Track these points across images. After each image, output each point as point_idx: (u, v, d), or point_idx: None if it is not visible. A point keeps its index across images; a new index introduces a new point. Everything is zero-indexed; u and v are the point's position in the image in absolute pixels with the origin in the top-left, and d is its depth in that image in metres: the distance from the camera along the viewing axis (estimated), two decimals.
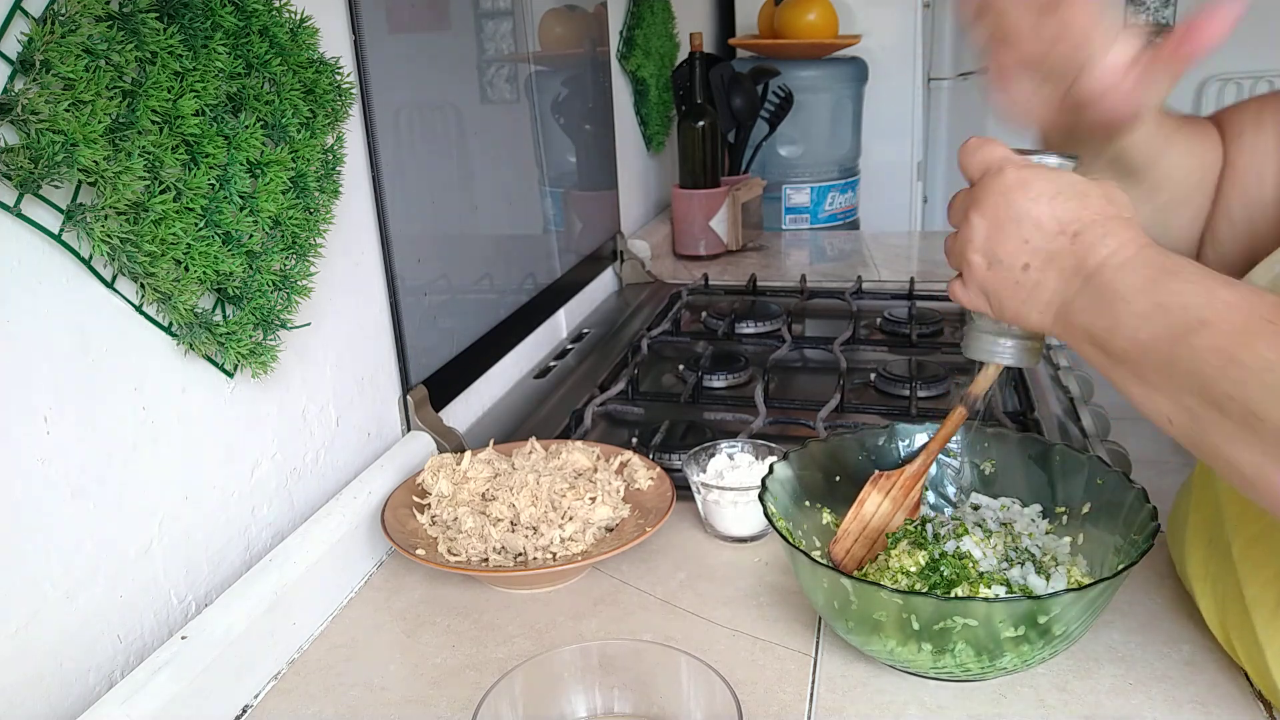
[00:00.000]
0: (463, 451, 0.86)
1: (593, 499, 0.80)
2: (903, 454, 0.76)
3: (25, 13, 0.54)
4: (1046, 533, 0.71)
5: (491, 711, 0.53)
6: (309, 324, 0.78)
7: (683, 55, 1.85)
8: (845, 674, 0.66)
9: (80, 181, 0.57)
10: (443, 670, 0.69)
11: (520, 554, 0.77)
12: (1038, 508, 0.73)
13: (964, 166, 0.58)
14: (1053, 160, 0.57)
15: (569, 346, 1.31)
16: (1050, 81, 0.58)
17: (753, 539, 0.83)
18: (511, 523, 0.79)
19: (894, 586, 0.64)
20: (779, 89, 1.95)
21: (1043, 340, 0.62)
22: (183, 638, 0.63)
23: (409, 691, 0.67)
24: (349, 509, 0.80)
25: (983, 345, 0.63)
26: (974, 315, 0.62)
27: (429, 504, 0.82)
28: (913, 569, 0.66)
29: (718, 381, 1.16)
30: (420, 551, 0.77)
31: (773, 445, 0.86)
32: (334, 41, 0.81)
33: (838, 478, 0.75)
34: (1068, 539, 0.70)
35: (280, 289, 0.73)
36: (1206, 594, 0.65)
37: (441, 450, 0.95)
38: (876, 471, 0.72)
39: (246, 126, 0.69)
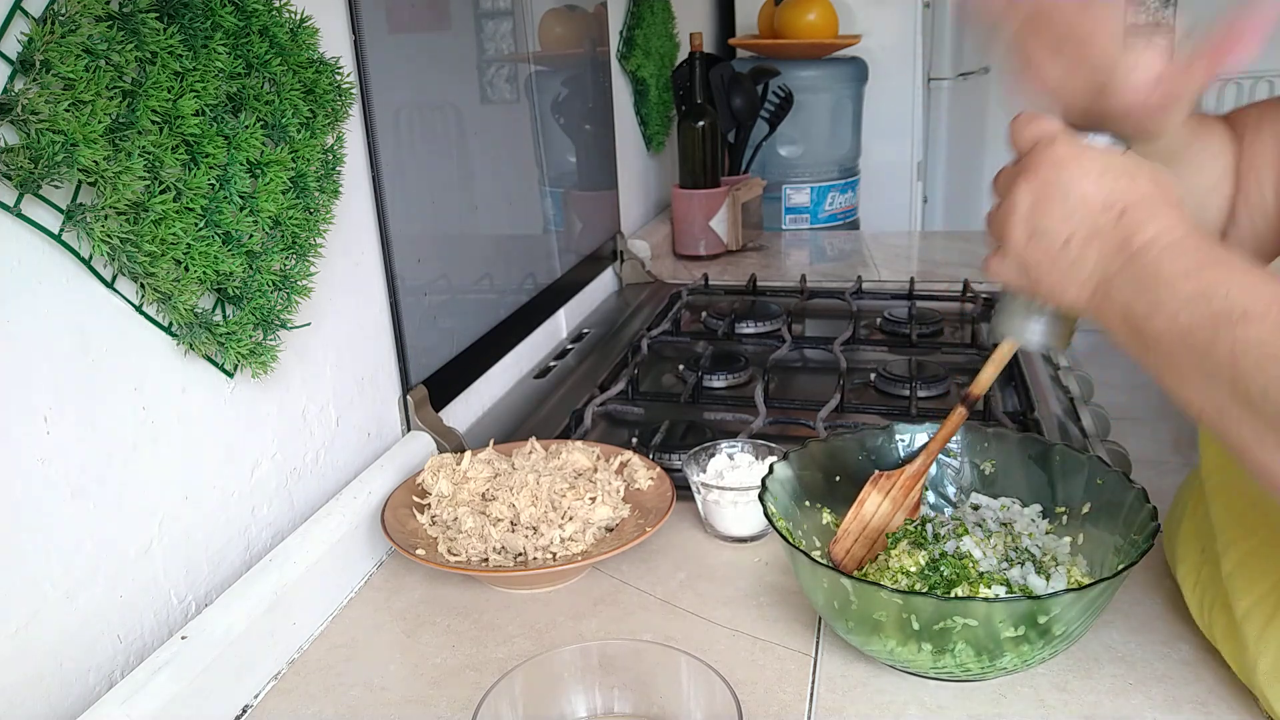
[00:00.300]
0: (463, 451, 0.86)
1: (593, 499, 0.80)
2: (903, 454, 0.76)
3: (25, 13, 0.54)
4: (1046, 533, 0.71)
5: (491, 711, 0.53)
6: (309, 324, 0.78)
7: (683, 55, 1.84)
8: (845, 674, 0.66)
9: (80, 181, 0.57)
10: (443, 670, 0.69)
11: (520, 554, 0.77)
12: (1038, 508, 0.73)
13: (1015, 138, 0.57)
14: (1104, 140, 0.56)
15: (569, 346, 1.31)
16: (1084, 68, 0.56)
17: (753, 539, 0.83)
18: (511, 523, 0.79)
19: (894, 586, 0.64)
20: (779, 89, 1.95)
21: (1074, 323, 0.61)
22: (183, 638, 0.63)
23: (409, 691, 0.67)
24: (349, 509, 0.80)
25: (1013, 324, 0.61)
26: (1006, 293, 0.61)
27: (429, 504, 0.82)
28: (913, 569, 0.66)
29: (718, 381, 1.16)
30: (420, 551, 0.77)
31: (773, 445, 0.86)
32: (334, 41, 0.81)
33: (838, 478, 0.75)
34: (1068, 539, 0.70)
35: (280, 289, 0.73)
36: (1194, 602, 0.65)
37: (441, 450, 0.95)
38: (876, 471, 0.72)
39: (246, 126, 0.69)
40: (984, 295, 1.39)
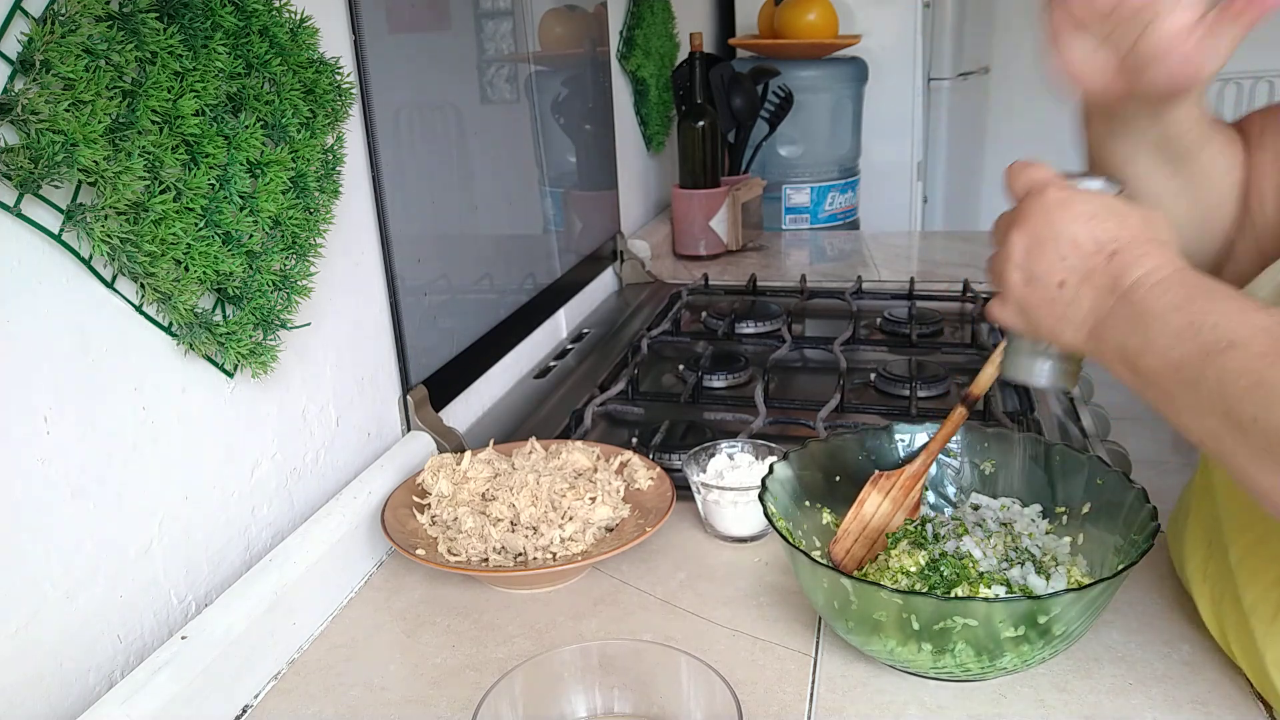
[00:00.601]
0: (463, 451, 0.86)
1: (593, 499, 0.80)
2: (903, 454, 0.76)
3: (25, 13, 0.54)
4: (1046, 533, 0.71)
5: (491, 711, 0.53)
6: (309, 324, 0.78)
7: (683, 55, 1.84)
8: (845, 674, 0.66)
9: (80, 181, 0.57)
10: (443, 670, 0.69)
11: (520, 554, 0.77)
12: (1038, 508, 0.73)
13: (1009, 186, 0.59)
14: (1097, 184, 0.57)
15: (569, 346, 1.31)
16: (1110, 43, 0.57)
17: (753, 539, 0.83)
18: (511, 523, 0.79)
19: (894, 586, 0.64)
20: (779, 89, 1.95)
21: (1079, 363, 0.62)
22: (183, 638, 0.63)
23: (409, 691, 0.67)
24: (349, 509, 0.80)
25: (1020, 366, 0.63)
26: (1012, 336, 0.63)
27: (429, 504, 0.82)
28: (913, 569, 0.66)
29: (718, 381, 1.16)
30: (420, 551, 0.77)
31: (773, 445, 0.86)
32: (334, 41, 0.81)
33: (838, 478, 0.75)
34: (1068, 539, 0.70)
35: (280, 289, 0.73)
36: (1205, 596, 0.65)
37: (441, 450, 0.95)
38: (876, 471, 0.72)
39: (246, 126, 0.69)
40: (984, 295, 1.39)
